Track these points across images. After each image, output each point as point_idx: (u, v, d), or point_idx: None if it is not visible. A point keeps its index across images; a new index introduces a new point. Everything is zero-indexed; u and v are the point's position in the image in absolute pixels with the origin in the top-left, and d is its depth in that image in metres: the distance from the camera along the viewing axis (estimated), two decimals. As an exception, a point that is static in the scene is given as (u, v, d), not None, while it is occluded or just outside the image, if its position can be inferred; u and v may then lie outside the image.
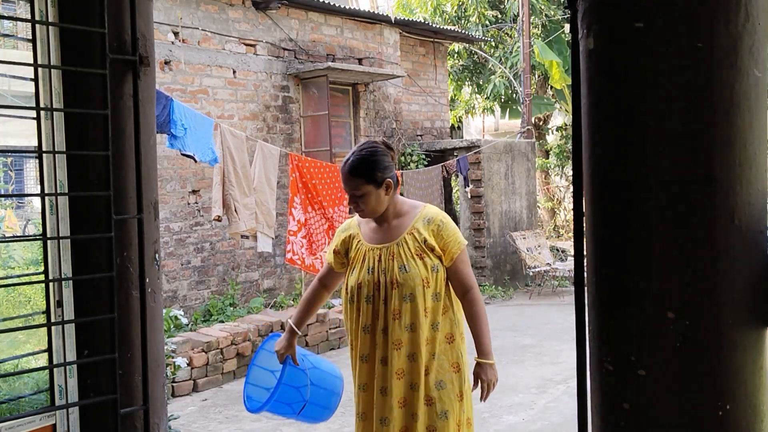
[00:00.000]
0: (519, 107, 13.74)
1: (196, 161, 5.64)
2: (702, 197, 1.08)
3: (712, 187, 1.07)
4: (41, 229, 1.59)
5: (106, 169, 1.55)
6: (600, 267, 1.18)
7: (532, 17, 13.78)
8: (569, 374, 6.11)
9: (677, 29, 1.08)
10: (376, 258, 2.72)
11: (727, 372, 1.09)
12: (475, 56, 15.37)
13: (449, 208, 11.53)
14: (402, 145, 10.51)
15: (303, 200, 6.85)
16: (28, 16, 1.55)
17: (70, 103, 1.56)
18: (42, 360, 1.91)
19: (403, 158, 10.44)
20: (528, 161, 11.37)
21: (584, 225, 1.27)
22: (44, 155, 1.56)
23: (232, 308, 7.95)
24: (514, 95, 15.05)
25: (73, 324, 1.57)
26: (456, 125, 16.15)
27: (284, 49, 8.92)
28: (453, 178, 11.45)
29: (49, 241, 1.58)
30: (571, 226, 10.22)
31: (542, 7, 14.44)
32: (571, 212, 9.99)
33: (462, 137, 15.90)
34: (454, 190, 12.49)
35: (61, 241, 1.56)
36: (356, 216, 2.89)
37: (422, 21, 12.57)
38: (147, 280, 1.61)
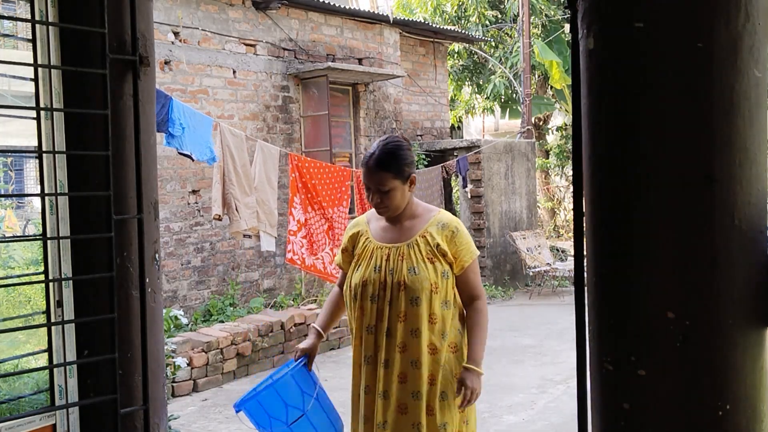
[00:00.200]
0: (519, 107, 13.74)
1: (193, 160, 5.64)
2: (702, 197, 1.08)
3: (712, 187, 1.07)
4: (41, 229, 1.59)
5: (106, 169, 1.55)
6: (600, 267, 1.18)
7: (532, 17, 13.78)
8: (569, 374, 6.11)
9: (677, 29, 1.08)
10: (384, 257, 2.64)
11: (727, 372, 1.09)
12: (475, 56, 15.37)
13: (449, 208, 11.52)
14: (402, 145, 10.49)
15: (303, 200, 6.85)
16: (28, 16, 1.55)
17: (70, 103, 1.56)
18: (42, 360, 1.91)
19: (403, 158, 10.41)
20: (528, 161, 11.37)
21: (584, 225, 1.27)
22: (44, 155, 1.56)
23: (232, 308, 7.95)
24: (514, 95, 15.05)
25: (73, 324, 1.57)
26: (456, 125, 16.15)
27: (284, 49, 8.92)
28: (453, 178, 11.45)
29: (49, 241, 1.58)
30: (571, 226, 10.22)
31: (542, 7, 14.44)
32: (571, 212, 9.99)
33: (462, 137, 15.90)
34: (454, 190, 12.49)
35: (61, 241, 1.56)
36: (367, 213, 2.82)
37: (422, 21, 12.57)
38: (147, 280, 1.61)
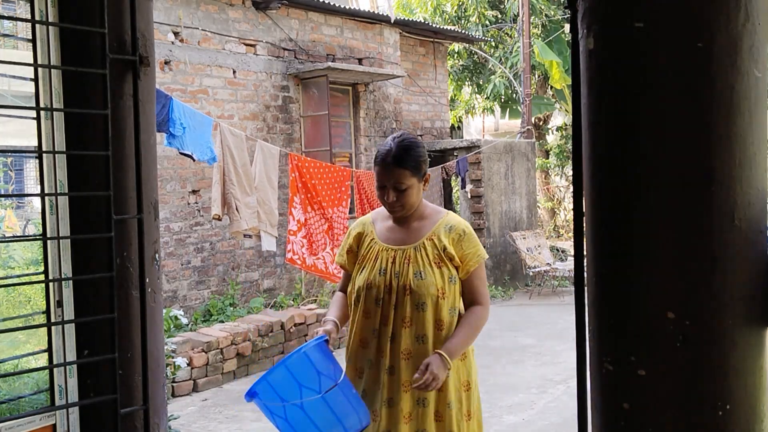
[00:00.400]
0: (519, 107, 13.74)
1: (194, 160, 5.64)
2: (702, 197, 1.08)
3: (712, 187, 1.07)
4: (41, 229, 1.59)
5: (106, 169, 1.55)
6: (600, 267, 1.18)
7: (532, 17, 13.78)
8: (569, 374, 6.11)
9: (677, 29, 1.08)
10: (390, 259, 2.54)
11: (727, 372, 1.09)
12: (475, 56, 15.37)
13: (449, 208, 11.53)
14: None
15: (303, 200, 6.85)
16: (28, 16, 1.55)
17: (70, 103, 1.56)
18: (42, 360, 1.91)
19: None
20: (528, 161, 11.38)
21: (584, 225, 1.27)
22: (44, 155, 1.56)
23: (232, 308, 7.95)
24: (514, 95, 15.06)
25: (73, 324, 1.57)
26: (456, 125, 16.15)
27: (284, 49, 8.92)
28: (453, 178, 11.45)
29: (49, 241, 1.58)
30: (571, 226, 10.22)
31: (542, 7, 14.44)
32: (571, 212, 9.99)
33: (462, 137, 15.90)
34: (454, 191, 12.49)
35: (61, 241, 1.56)
36: (371, 213, 2.73)
37: (422, 21, 12.57)
38: (147, 280, 1.61)
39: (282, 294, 8.69)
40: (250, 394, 2.25)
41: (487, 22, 14.75)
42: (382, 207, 2.66)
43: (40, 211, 1.63)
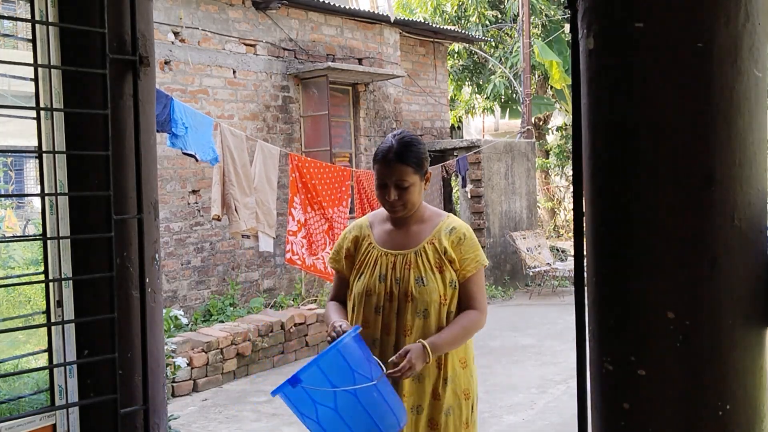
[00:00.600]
0: (519, 107, 13.74)
1: (197, 160, 5.64)
2: (702, 197, 1.08)
3: (712, 187, 1.07)
4: (41, 229, 1.59)
5: (106, 169, 1.55)
6: (600, 267, 1.18)
7: (532, 17, 13.78)
8: (569, 374, 6.11)
9: (677, 29, 1.08)
10: (389, 264, 2.42)
11: (727, 372, 1.09)
12: (475, 56, 15.37)
13: (449, 208, 11.53)
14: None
15: (303, 200, 6.85)
16: (28, 16, 1.55)
17: (70, 103, 1.56)
18: (42, 360, 1.91)
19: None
20: (528, 161, 11.38)
21: (584, 225, 1.27)
22: (44, 155, 1.56)
23: (232, 308, 7.95)
24: (514, 95, 15.06)
25: (73, 324, 1.57)
26: (456, 125, 16.16)
27: (284, 49, 8.92)
28: (453, 178, 11.45)
29: (49, 241, 1.58)
30: (571, 226, 10.22)
31: (542, 7, 14.44)
32: (571, 212, 9.99)
33: (462, 137, 15.91)
34: (454, 190, 12.50)
35: (61, 241, 1.56)
36: (367, 215, 2.63)
37: (422, 21, 12.57)
38: (147, 280, 1.61)
39: (282, 294, 8.69)
40: (283, 391, 2.05)
41: (487, 22, 14.75)
42: (379, 210, 2.58)
43: (40, 211, 1.63)
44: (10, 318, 2.85)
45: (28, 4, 1.55)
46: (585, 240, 1.28)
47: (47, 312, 1.60)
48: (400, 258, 2.43)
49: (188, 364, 6.00)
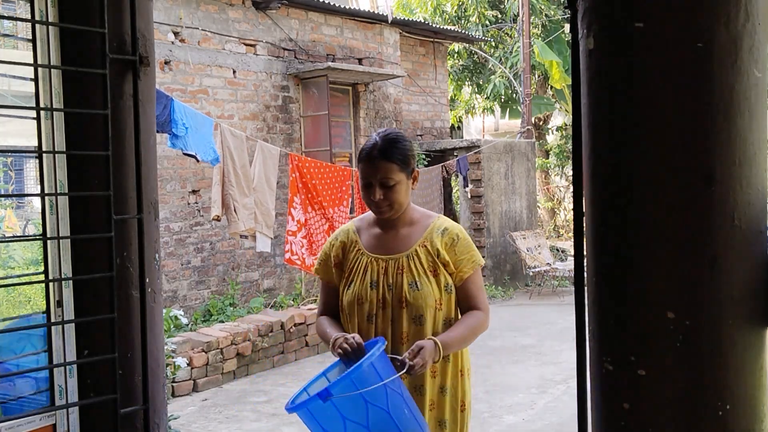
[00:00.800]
0: (519, 107, 13.74)
1: (198, 161, 5.64)
2: (702, 197, 1.08)
3: (712, 187, 1.07)
4: (41, 229, 1.59)
5: (106, 169, 1.55)
6: (600, 267, 1.18)
7: (532, 17, 13.78)
8: (569, 374, 6.11)
9: (677, 29, 1.08)
10: (381, 270, 2.32)
11: (727, 372, 1.09)
12: (475, 56, 15.37)
13: (449, 208, 11.53)
14: (402, 145, 10.49)
15: (303, 200, 6.85)
16: (28, 16, 1.55)
17: (70, 103, 1.56)
18: (42, 360, 1.91)
19: (403, 158, 10.42)
20: (528, 161, 11.38)
21: (584, 225, 1.27)
22: (44, 155, 1.56)
23: (232, 308, 7.95)
24: (514, 95, 15.06)
25: (73, 324, 1.57)
26: (456, 125, 16.16)
27: (284, 49, 8.92)
28: (453, 178, 11.45)
29: (49, 241, 1.58)
30: (571, 226, 10.22)
31: (542, 7, 14.44)
32: (571, 212, 10.00)
33: (462, 137, 15.91)
34: (454, 190, 12.50)
35: (61, 241, 1.56)
36: (353, 220, 2.51)
37: (422, 21, 12.57)
38: (147, 280, 1.61)
39: (282, 294, 8.69)
40: (307, 407, 1.91)
41: (487, 22, 14.75)
42: (365, 214, 2.49)
43: (40, 211, 1.63)
44: (10, 318, 2.85)
45: (28, 4, 1.55)
46: (585, 240, 1.28)
47: (47, 312, 1.60)
48: (392, 263, 2.32)
49: (188, 364, 6.00)
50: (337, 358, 2.21)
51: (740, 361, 1.10)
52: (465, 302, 2.37)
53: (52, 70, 1.55)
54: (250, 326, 6.70)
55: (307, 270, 7.09)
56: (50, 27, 1.55)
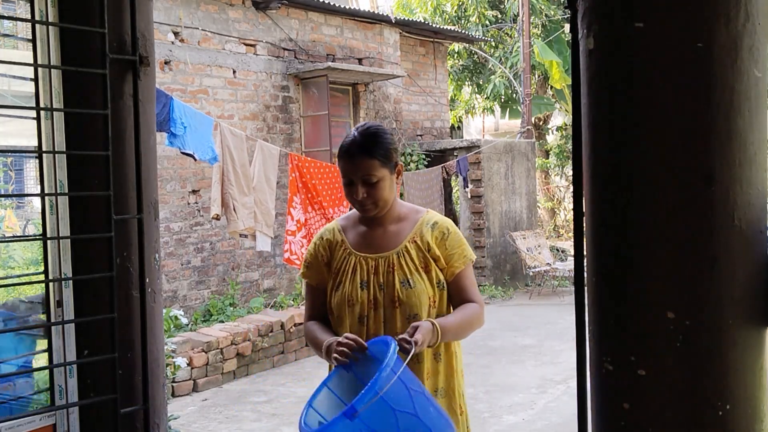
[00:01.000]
0: (519, 107, 13.75)
1: (195, 160, 5.64)
2: (702, 197, 1.08)
3: (712, 187, 1.07)
4: (41, 229, 1.59)
5: (106, 169, 1.55)
6: (600, 267, 1.18)
7: (532, 17, 13.79)
8: (569, 374, 6.11)
9: (677, 29, 1.08)
10: (370, 270, 2.22)
11: (727, 372, 1.09)
12: (475, 56, 15.38)
13: (449, 208, 11.53)
14: (402, 145, 10.51)
15: (303, 200, 6.85)
16: (28, 16, 1.55)
17: (70, 103, 1.56)
18: (42, 360, 1.91)
19: (403, 158, 10.43)
20: (528, 161, 11.38)
21: (584, 225, 1.27)
22: (44, 155, 1.56)
23: (232, 308, 7.95)
24: (514, 95, 15.06)
25: (73, 324, 1.57)
26: (456, 125, 16.16)
27: (284, 49, 8.92)
28: (453, 178, 11.45)
29: (49, 241, 1.58)
30: (571, 226, 10.23)
31: (542, 7, 14.44)
32: (571, 212, 10.00)
33: (462, 137, 15.91)
34: (454, 190, 12.50)
35: (61, 241, 1.56)
36: (337, 220, 2.41)
37: (422, 21, 12.57)
38: (147, 280, 1.61)
39: (282, 294, 8.69)
40: (333, 429, 1.73)
41: (487, 22, 14.76)
42: (349, 212, 2.39)
43: (40, 211, 1.63)
44: (10, 318, 2.85)
45: (28, 4, 1.55)
46: (585, 240, 1.28)
47: (47, 312, 1.60)
48: (382, 261, 2.22)
49: (188, 364, 6.01)
50: (333, 364, 2.08)
51: (740, 361, 1.10)
52: (458, 296, 2.26)
53: (52, 70, 1.55)
54: (250, 326, 6.71)
55: (307, 270, 7.08)
56: (50, 27, 1.55)
